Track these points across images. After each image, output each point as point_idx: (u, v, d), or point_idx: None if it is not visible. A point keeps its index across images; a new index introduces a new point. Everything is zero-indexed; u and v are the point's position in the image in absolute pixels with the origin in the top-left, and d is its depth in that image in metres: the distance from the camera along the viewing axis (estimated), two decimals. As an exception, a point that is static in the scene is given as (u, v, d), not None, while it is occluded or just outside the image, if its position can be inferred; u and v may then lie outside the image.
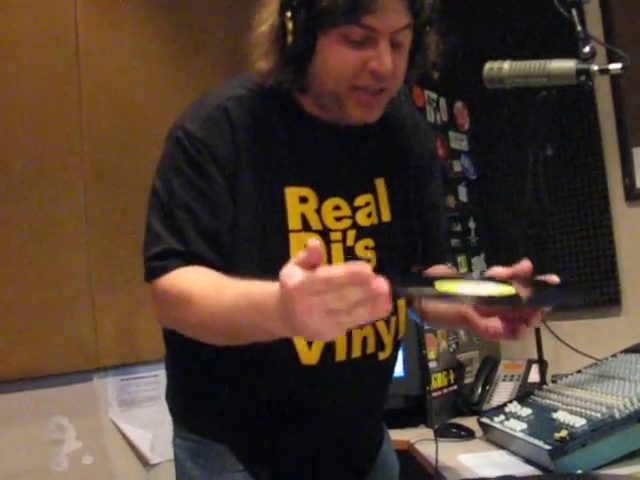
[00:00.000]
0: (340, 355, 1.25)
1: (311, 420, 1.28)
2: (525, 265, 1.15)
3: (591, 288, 2.65)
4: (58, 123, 2.15)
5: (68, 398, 2.10)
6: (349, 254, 1.27)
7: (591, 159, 2.74)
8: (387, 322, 1.32)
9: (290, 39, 1.16)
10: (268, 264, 1.20)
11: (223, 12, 2.70)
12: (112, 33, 2.35)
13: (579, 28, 1.33)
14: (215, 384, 1.29)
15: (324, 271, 0.85)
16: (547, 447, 1.37)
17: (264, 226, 1.21)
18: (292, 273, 0.87)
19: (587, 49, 1.31)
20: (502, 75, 1.37)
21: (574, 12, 1.37)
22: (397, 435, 1.85)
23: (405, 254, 1.36)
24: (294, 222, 1.22)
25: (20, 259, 2.01)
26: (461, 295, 1.07)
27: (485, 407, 2.21)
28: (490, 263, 2.98)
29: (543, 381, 2.17)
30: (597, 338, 2.44)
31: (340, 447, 1.34)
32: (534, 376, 2.28)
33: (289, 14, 1.15)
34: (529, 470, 1.43)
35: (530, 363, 2.33)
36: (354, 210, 1.29)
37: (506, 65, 1.37)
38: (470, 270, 2.89)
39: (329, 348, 1.24)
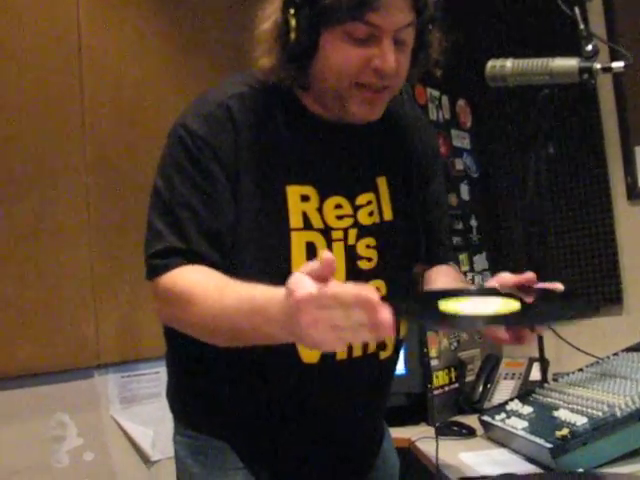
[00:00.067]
0: (341, 354, 1.25)
1: (311, 418, 1.28)
2: (529, 275, 1.15)
3: (594, 298, 2.65)
4: (60, 122, 2.15)
5: (69, 395, 2.10)
6: (350, 253, 1.27)
7: (593, 157, 2.74)
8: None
9: (293, 36, 1.16)
10: (269, 262, 1.20)
11: (224, 11, 2.70)
12: (114, 33, 2.35)
13: (582, 26, 1.33)
14: (215, 382, 1.29)
15: (334, 288, 0.85)
16: (548, 445, 1.37)
17: (265, 224, 1.21)
18: (301, 283, 0.87)
19: (590, 47, 1.31)
20: (505, 73, 1.37)
21: (577, 10, 1.37)
22: (398, 433, 1.85)
23: (407, 253, 1.36)
24: (295, 220, 1.22)
25: (22, 257, 2.01)
26: (469, 317, 1.05)
27: (486, 405, 2.21)
28: (492, 261, 2.98)
29: (544, 379, 2.16)
30: (599, 336, 2.44)
31: (341, 445, 1.33)
32: (535, 374, 2.28)
33: (292, 11, 1.15)
34: (530, 468, 1.43)
35: (531, 361, 2.33)
36: (355, 209, 1.28)
37: (509, 63, 1.37)
38: (472, 269, 2.88)
39: None
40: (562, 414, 1.49)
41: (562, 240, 2.77)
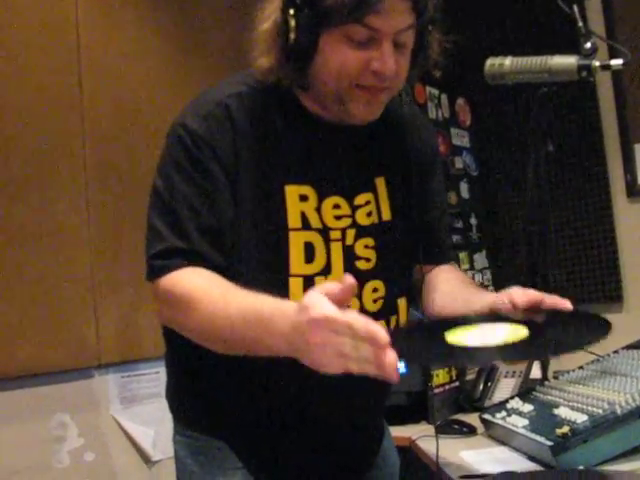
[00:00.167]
0: None
1: (311, 419, 1.28)
2: (538, 297, 1.14)
3: (595, 296, 2.64)
4: (59, 122, 2.15)
5: (70, 395, 2.11)
6: (348, 253, 1.27)
7: (592, 155, 2.74)
8: (387, 322, 1.31)
9: (292, 36, 1.15)
10: (267, 262, 1.20)
11: (224, 11, 2.70)
12: (113, 33, 2.35)
13: (580, 24, 1.33)
14: (214, 383, 1.29)
15: (350, 316, 0.86)
16: (549, 443, 1.37)
17: (264, 224, 1.21)
18: (319, 303, 0.88)
19: (588, 45, 1.31)
20: (503, 71, 1.36)
21: (576, 8, 1.36)
22: (399, 431, 1.85)
23: (405, 253, 1.35)
24: (294, 220, 1.22)
25: (22, 258, 2.01)
26: (477, 352, 1.01)
27: (487, 403, 2.21)
28: (492, 259, 2.98)
29: (545, 377, 2.16)
30: (599, 334, 2.44)
31: (340, 446, 1.33)
32: (536, 372, 2.27)
33: (292, 11, 1.14)
34: (531, 466, 1.43)
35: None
36: (354, 209, 1.28)
37: (507, 61, 1.36)
38: (472, 267, 2.89)
39: None
40: (562, 412, 1.49)
41: (562, 238, 2.77)
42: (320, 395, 1.26)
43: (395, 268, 1.33)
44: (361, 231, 1.28)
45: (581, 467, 1.32)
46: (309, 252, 1.22)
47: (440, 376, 2.27)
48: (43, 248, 2.06)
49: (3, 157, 2.01)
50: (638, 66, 2.55)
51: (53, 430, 2.06)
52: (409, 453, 1.89)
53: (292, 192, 1.23)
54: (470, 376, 2.40)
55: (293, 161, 1.24)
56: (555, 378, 1.84)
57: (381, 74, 1.16)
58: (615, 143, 2.71)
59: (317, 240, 1.23)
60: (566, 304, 1.12)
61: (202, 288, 1.12)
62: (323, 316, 0.86)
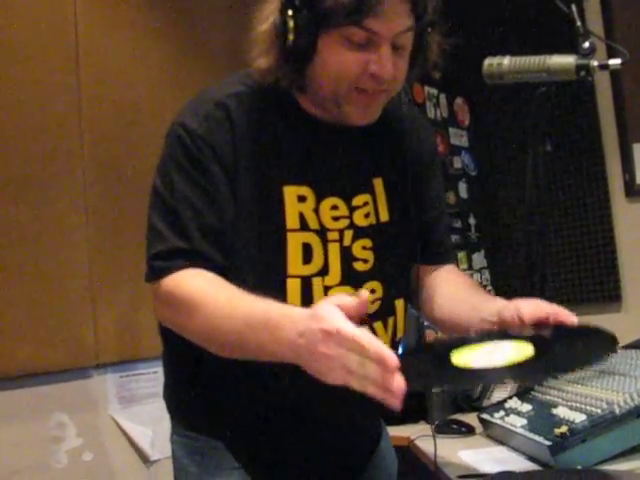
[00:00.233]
0: None
1: (308, 419, 1.28)
2: (542, 313, 1.13)
3: (593, 296, 2.64)
4: (58, 122, 2.15)
5: (68, 395, 2.11)
6: (346, 254, 1.26)
7: (591, 155, 2.74)
8: (385, 323, 1.31)
9: (291, 38, 1.15)
10: (265, 263, 1.20)
11: (223, 12, 2.70)
12: (112, 33, 2.35)
13: (579, 23, 1.33)
14: (212, 383, 1.28)
15: (360, 334, 0.86)
16: (547, 443, 1.37)
17: (262, 224, 1.20)
18: (332, 314, 0.88)
19: (587, 44, 1.31)
20: (502, 71, 1.36)
21: (574, 8, 1.36)
22: (397, 431, 1.85)
23: (403, 254, 1.35)
24: (292, 221, 1.22)
25: (20, 257, 2.01)
26: (485, 373, 1.01)
27: (485, 403, 2.21)
28: (490, 259, 2.98)
29: (543, 377, 2.16)
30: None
31: (338, 446, 1.33)
32: (534, 372, 2.27)
33: (291, 12, 1.14)
34: (529, 466, 1.43)
35: (530, 359, 2.32)
36: (351, 210, 1.28)
37: (506, 61, 1.36)
38: (470, 266, 2.89)
39: None
40: (561, 411, 1.49)
41: (560, 237, 2.78)
42: (318, 395, 1.25)
43: (393, 269, 1.32)
44: (359, 232, 1.28)
45: (579, 467, 1.32)
46: (307, 253, 1.22)
47: (439, 376, 2.27)
48: (42, 248, 2.06)
49: (2, 157, 2.01)
50: (636, 66, 2.55)
51: (51, 430, 2.06)
52: (407, 453, 1.89)
53: (290, 193, 1.22)
54: (469, 376, 2.40)
55: (291, 162, 1.24)
56: (553, 378, 1.84)
57: (379, 77, 1.15)
58: (613, 143, 2.71)
59: (315, 241, 1.23)
60: (571, 318, 1.12)
61: (205, 291, 1.12)
62: (335, 329, 0.87)
